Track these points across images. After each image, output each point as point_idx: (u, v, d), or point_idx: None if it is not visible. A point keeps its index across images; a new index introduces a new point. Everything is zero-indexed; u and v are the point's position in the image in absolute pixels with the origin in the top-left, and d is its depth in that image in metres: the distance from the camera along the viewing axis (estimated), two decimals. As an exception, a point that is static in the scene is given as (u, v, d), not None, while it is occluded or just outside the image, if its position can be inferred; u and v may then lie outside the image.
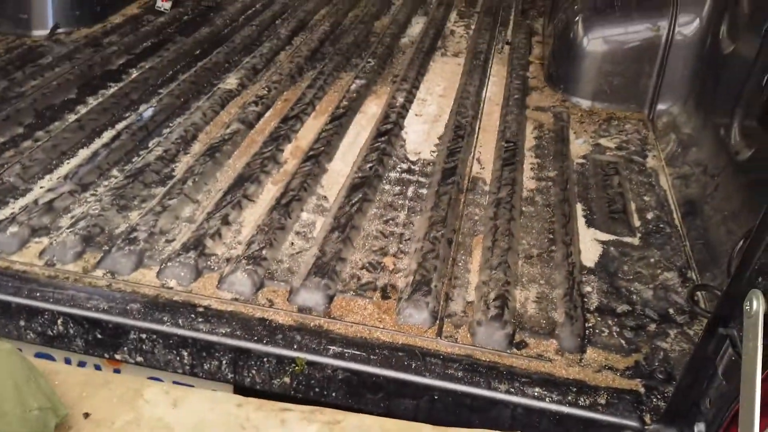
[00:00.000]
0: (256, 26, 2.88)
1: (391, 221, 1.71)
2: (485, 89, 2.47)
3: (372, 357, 1.29)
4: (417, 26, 3.05)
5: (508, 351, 1.34)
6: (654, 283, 1.55)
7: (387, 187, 1.85)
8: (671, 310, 1.47)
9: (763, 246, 0.97)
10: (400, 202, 1.79)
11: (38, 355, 1.42)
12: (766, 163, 1.57)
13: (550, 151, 2.08)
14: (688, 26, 2.25)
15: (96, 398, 1.11)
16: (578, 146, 2.12)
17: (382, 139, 2.05)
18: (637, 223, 1.76)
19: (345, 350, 1.30)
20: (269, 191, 1.80)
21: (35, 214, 1.61)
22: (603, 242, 1.68)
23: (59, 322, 1.36)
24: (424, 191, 1.84)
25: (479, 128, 2.20)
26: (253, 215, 1.69)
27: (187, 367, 1.34)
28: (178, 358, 1.34)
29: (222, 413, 1.11)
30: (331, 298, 1.44)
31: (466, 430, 1.19)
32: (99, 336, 1.36)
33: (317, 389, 1.30)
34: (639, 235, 1.72)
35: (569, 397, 1.23)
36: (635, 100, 2.34)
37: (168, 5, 2.99)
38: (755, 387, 0.92)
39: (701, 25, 2.22)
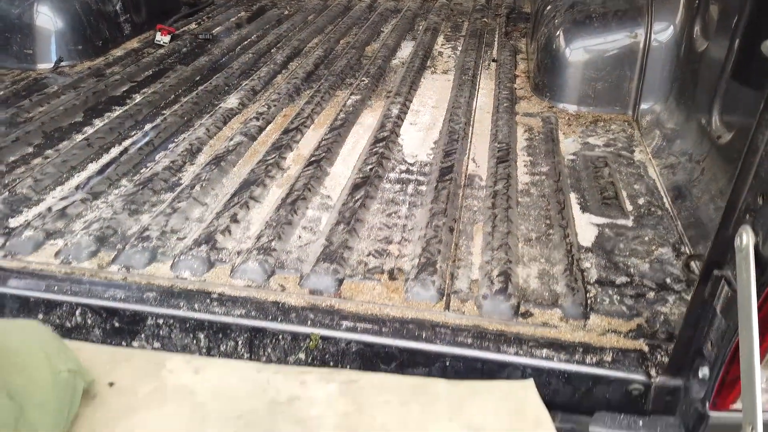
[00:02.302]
0: (252, 54, 3.00)
1: (393, 214, 1.77)
2: (475, 100, 2.58)
3: (384, 329, 1.33)
4: (406, 49, 3.19)
5: (515, 320, 1.38)
6: (650, 257, 1.61)
7: (387, 185, 1.92)
8: (668, 280, 1.53)
9: (748, 185, 1.04)
10: (401, 197, 1.86)
11: (56, 349, 1.44)
12: (746, 140, 1.66)
13: (541, 150, 2.17)
14: (664, 33, 2.39)
15: (120, 370, 1.14)
16: (568, 145, 2.21)
17: (381, 144, 2.13)
18: (629, 207, 1.83)
19: (357, 324, 1.34)
20: (274, 193, 1.86)
21: (49, 220, 1.66)
22: (598, 225, 1.75)
23: (77, 313, 1.40)
24: (424, 188, 1.91)
25: (472, 133, 2.29)
26: (260, 214, 1.75)
27: (204, 349, 1.37)
28: (194, 341, 1.37)
29: (243, 378, 1.14)
30: (340, 282, 1.48)
31: (482, 382, 1.23)
32: (116, 324, 1.39)
33: (332, 363, 1.33)
34: (632, 217, 1.78)
35: (576, 357, 1.28)
36: (619, 102, 2.45)
37: (167, 39, 3.12)
38: (752, 313, 0.97)
39: (675, 32, 2.36)
